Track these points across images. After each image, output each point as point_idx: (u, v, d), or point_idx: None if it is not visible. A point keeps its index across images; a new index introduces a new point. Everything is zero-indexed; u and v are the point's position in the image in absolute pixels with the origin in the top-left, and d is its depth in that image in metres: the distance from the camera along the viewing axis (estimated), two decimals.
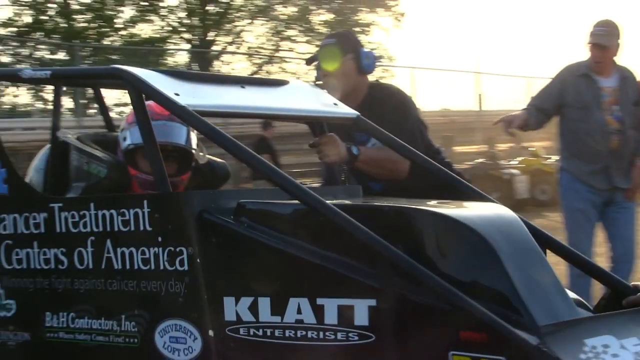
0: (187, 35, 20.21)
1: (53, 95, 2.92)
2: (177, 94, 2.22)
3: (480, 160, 15.14)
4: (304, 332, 1.98)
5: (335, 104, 2.78)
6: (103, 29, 18.43)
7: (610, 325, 1.90)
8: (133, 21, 19.16)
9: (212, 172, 3.00)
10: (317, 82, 3.41)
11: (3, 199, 2.75)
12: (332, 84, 3.24)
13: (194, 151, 2.84)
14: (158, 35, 19.78)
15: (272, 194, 2.30)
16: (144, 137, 2.27)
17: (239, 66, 21.00)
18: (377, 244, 1.83)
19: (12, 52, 17.44)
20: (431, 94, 23.00)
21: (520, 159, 15.63)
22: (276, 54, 21.33)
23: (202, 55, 18.98)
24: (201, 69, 18.61)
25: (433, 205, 2.15)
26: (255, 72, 20.73)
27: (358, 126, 2.77)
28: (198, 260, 2.13)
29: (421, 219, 2.00)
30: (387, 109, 3.16)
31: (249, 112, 2.57)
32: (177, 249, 2.19)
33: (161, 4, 19.53)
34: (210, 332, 2.11)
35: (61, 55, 17.37)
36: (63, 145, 2.91)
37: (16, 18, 17.40)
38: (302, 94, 2.73)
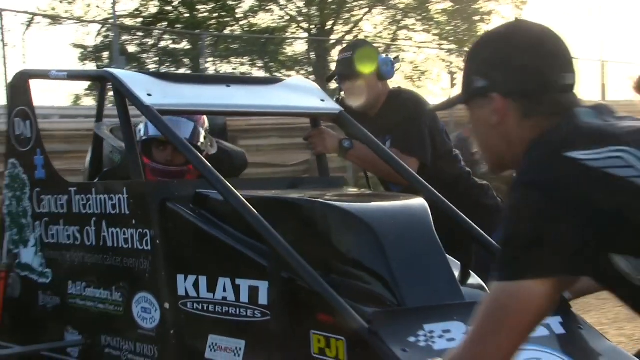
0: (305, 25, 20.62)
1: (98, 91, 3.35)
2: (149, 95, 2.53)
3: None
4: (227, 308, 2.27)
5: (322, 100, 3.00)
6: (224, 19, 19.00)
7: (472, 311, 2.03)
8: (253, 11, 19.77)
9: (230, 161, 3.33)
10: (339, 96, 3.52)
11: (42, 183, 3.20)
12: (358, 94, 3.36)
13: (199, 144, 3.18)
14: (277, 25, 20.33)
15: (235, 183, 2.58)
16: (124, 132, 2.61)
17: None
18: (263, 230, 2.07)
19: (138, 42, 18.40)
20: None
21: None
22: (394, 43, 21.34)
23: (320, 44, 19.27)
24: (318, 58, 18.90)
25: (335, 198, 2.36)
26: None
27: (340, 122, 2.97)
28: (158, 241, 2.46)
29: (315, 209, 2.23)
30: (400, 116, 3.29)
31: (215, 110, 2.85)
32: (144, 231, 2.52)
33: None
34: (166, 305, 2.43)
35: (183, 45, 18.21)
36: (100, 136, 3.35)
37: (142, 9, 18.34)
38: (292, 91, 2.97)
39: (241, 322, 2.21)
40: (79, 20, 16.83)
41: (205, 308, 2.33)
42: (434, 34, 22.09)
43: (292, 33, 20.80)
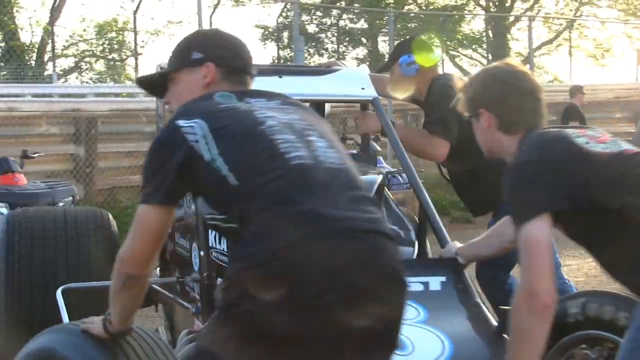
0: (483, 2, 19.74)
1: None
2: None
3: None
4: (223, 257, 2.85)
5: (363, 89, 3.40)
6: None
7: None
8: None
9: None
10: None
11: None
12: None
13: None
14: (455, 3, 19.58)
15: None
16: None
17: (536, 33, 19.71)
18: None
19: (317, 22, 18.53)
20: None
21: None
22: (577, 17, 19.85)
23: (498, 21, 18.21)
24: (495, 36, 17.92)
25: None
26: (553, 39, 19.60)
27: (375, 106, 3.40)
28: (197, 203, 3.08)
29: None
30: (430, 101, 3.58)
31: None
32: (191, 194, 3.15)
33: None
34: (202, 252, 3.05)
35: (361, 24, 17.96)
36: None
37: None
38: (338, 80, 3.37)
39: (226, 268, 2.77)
40: (262, 0, 17.16)
41: (217, 257, 2.93)
42: (620, 9, 20.33)
43: (470, 11, 19.91)
